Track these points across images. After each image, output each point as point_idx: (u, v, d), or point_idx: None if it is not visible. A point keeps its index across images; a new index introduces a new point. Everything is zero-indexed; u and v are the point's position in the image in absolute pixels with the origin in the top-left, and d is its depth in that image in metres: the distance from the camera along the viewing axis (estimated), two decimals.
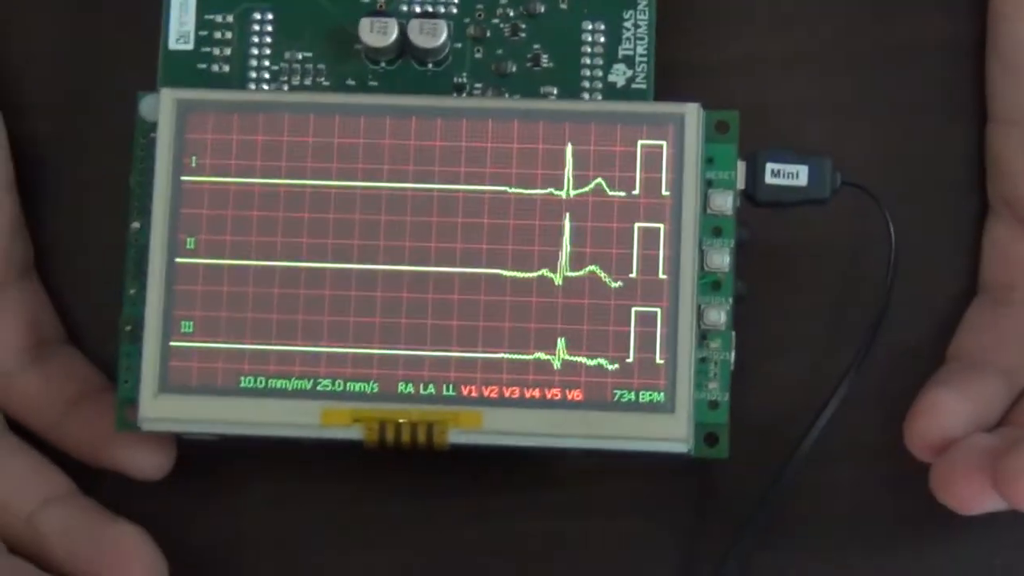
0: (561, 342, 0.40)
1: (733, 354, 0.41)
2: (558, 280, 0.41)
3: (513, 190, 0.41)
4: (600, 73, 0.45)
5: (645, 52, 0.45)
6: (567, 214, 0.41)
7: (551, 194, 0.41)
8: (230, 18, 0.45)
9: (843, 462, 0.45)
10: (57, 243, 0.48)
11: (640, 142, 0.41)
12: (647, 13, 0.45)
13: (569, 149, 0.41)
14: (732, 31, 0.48)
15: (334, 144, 0.42)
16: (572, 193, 0.41)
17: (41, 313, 0.47)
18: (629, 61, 0.44)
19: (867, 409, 0.45)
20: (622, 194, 0.41)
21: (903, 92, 0.48)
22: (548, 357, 0.40)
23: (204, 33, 0.45)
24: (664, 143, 0.41)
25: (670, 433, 0.40)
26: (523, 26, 0.45)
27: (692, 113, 0.41)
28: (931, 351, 0.45)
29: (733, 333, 0.41)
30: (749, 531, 0.43)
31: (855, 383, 0.43)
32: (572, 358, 0.40)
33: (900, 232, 0.43)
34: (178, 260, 0.41)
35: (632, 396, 0.40)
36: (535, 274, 0.41)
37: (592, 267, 0.41)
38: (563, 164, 0.41)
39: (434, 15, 0.45)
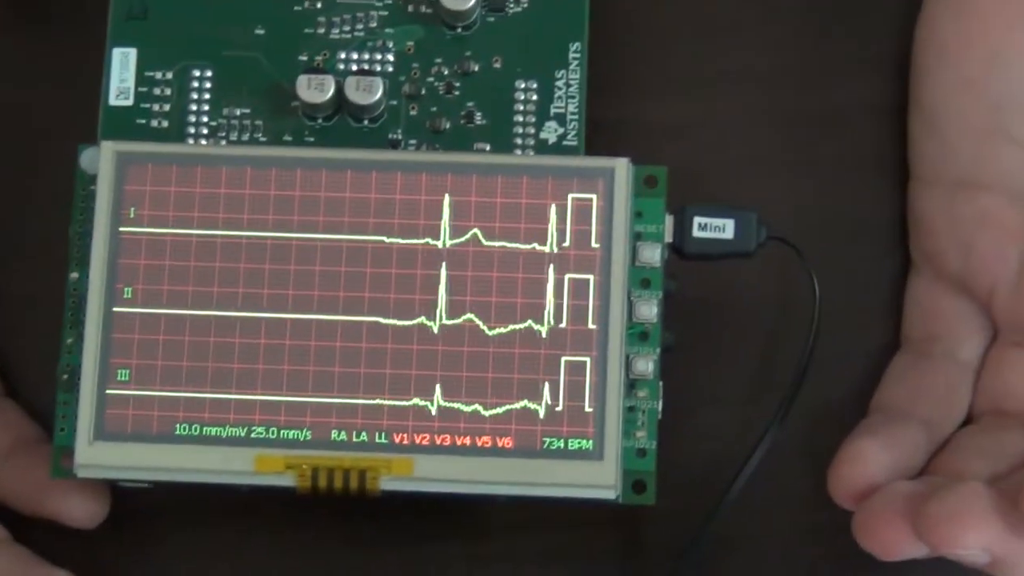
0: (492, 390, 0.41)
1: (660, 403, 0.41)
2: (488, 329, 0.41)
3: (419, 241, 0.42)
4: (532, 130, 0.45)
5: (576, 110, 0.45)
6: (490, 269, 0.42)
7: (469, 243, 0.42)
8: (169, 75, 0.46)
9: (769, 511, 0.45)
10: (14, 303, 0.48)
11: (571, 195, 0.41)
12: (578, 72, 0.45)
13: (499, 202, 0.42)
14: (662, 90, 0.49)
15: (270, 196, 0.42)
16: (496, 244, 0.42)
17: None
18: (561, 119, 0.45)
19: (793, 459, 0.45)
20: (553, 246, 0.41)
21: (829, 150, 0.49)
22: (479, 405, 0.41)
23: (144, 89, 0.46)
24: (594, 196, 0.41)
25: (598, 480, 0.40)
26: (457, 84, 0.46)
27: (622, 168, 0.41)
28: (855, 403, 0.46)
29: (660, 383, 0.41)
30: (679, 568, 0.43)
31: (780, 433, 0.43)
32: (502, 406, 0.41)
33: (824, 286, 0.43)
34: (115, 309, 0.41)
35: (561, 444, 0.40)
36: (460, 319, 0.41)
37: (520, 318, 0.41)
38: (495, 217, 0.42)
39: (370, 73, 0.45)
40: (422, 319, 0.42)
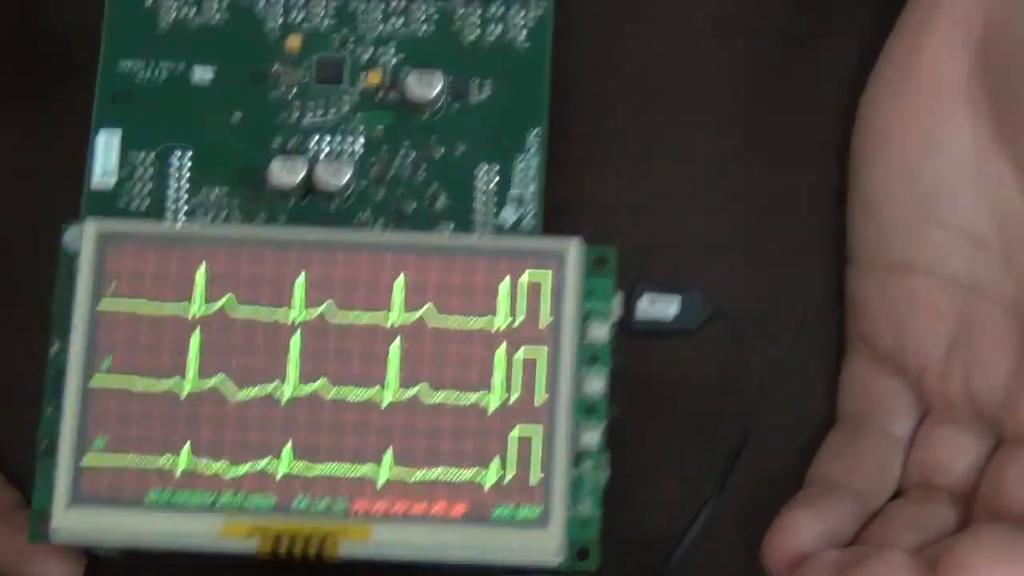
0: (445, 460, 0.42)
1: (605, 474, 0.42)
2: (442, 402, 0.42)
3: (380, 316, 0.43)
4: (493, 211, 0.47)
5: (535, 193, 0.47)
6: (446, 344, 0.43)
7: (425, 319, 0.43)
8: (151, 156, 0.47)
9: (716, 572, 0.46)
10: None
11: (525, 274, 0.42)
12: (537, 156, 0.47)
13: (457, 281, 0.43)
14: (619, 172, 0.50)
15: (241, 274, 0.43)
16: (452, 320, 0.43)
17: None
18: (519, 201, 0.46)
19: (731, 530, 0.45)
20: (506, 323, 0.42)
21: (776, 232, 0.50)
22: (433, 474, 0.41)
23: (126, 170, 0.47)
24: (547, 276, 0.42)
25: (544, 548, 0.41)
26: (423, 168, 0.47)
27: (573, 248, 0.42)
28: (793, 476, 0.46)
29: (606, 454, 0.42)
30: None
31: (720, 505, 0.44)
32: (455, 476, 0.41)
33: (766, 363, 0.44)
34: (92, 381, 0.42)
35: (510, 512, 0.41)
36: (415, 391, 0.42)
37: (473, 391, 0.42)
38: (452, 294, 0.43)
39: (340, 155, 0.47)
40: (380, 391, 0.42)
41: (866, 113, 0.48)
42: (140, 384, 0.42)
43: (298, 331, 0.43)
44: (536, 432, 0.42)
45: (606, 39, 0.51)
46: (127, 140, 0.47)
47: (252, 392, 0.42)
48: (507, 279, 0.43)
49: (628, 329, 0.43)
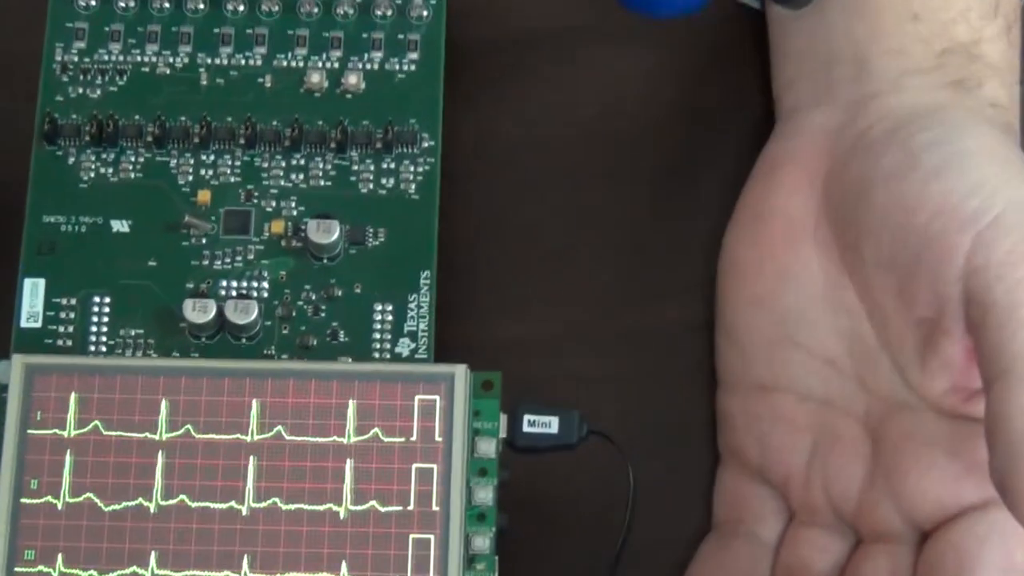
0: (345, 565, 0.44)
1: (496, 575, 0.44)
2: (343, 513, 0.45)
3: (308, 439, 0.46)
4: (389, 345, 0.49)
5: (426, 328, 0.50)
6: (349, 459, 0.46)
7: (330, 438, 0.46)
8: (73, 301, 0.49)
9: None
10: None
11: (417, 397, 0.46)
12: (428, 296, 0.50)
13: (352, 404, 0.46)
14: (501, 313, 0.53)
15: (159, 400, 0.46)
16: (354, 439, 0.46)
17: None
18: (413, 335, 0.49)
19: None
20: (402, 439, 0.45)
21: (651, 360, 0.53)
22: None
23: (51, 313, 0.49)
24: (437, 397, 0.46)
25: None
26: (323, 307, 0.50)
27: (460, 373, 0.45)
28: (677, 569, 0.49)
29: (496, 557, 0.45)
30: None
31: None
32: None
33: (641, 477, 0.47)
34: (23, 500, 0.44)
35: None
36: (323, 506, 0.45)
37: (374, 501, 0.45)
38: (355, 416, 0.46)
39: (247, 297, 0.49)
40: (278, 503, 0.45)
41: (726, 254, 0.52)
42: (66, 501, 0.45)
43: (209, 449, 0.46)
44: (432, 537, 0.45)
45: (489, 189, 0.55)
46: (50, 287, 0.49)
47: (169, 506, 0.45)
48: (402, 401, 0.46)
49: (513, 445, 0.46)
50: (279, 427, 0.46)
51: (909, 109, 0.49)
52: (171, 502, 0.46)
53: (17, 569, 0.45)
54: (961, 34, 0.50)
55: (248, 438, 0.46)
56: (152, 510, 0.45)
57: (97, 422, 0.47)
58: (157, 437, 0.46)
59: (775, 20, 0.54)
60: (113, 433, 0.46)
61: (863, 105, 0.50)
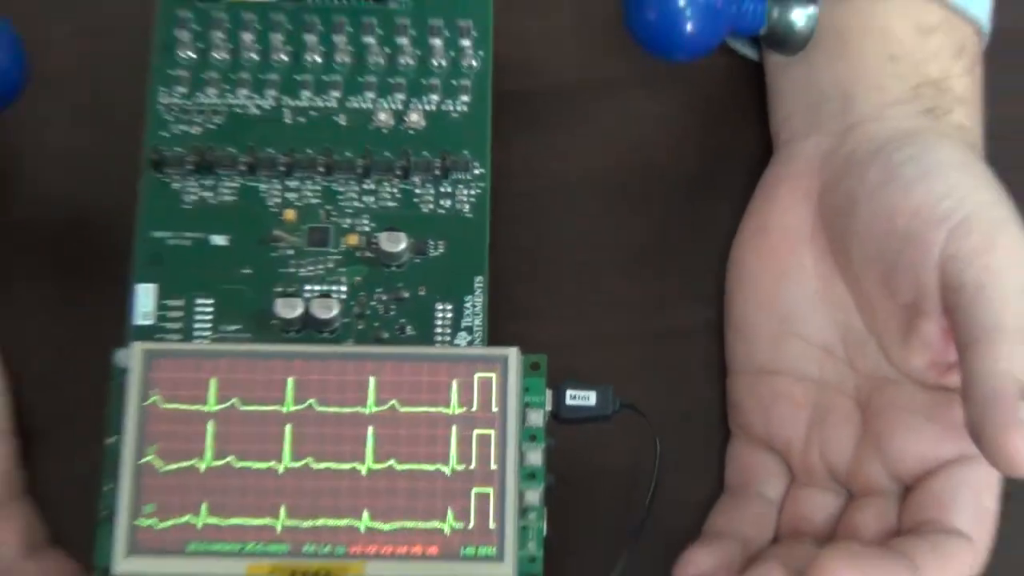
0: (424, 513, 0.46)
1: (544, 524, 0.47)
2: (421, 469, 0.47)
3: (381, 409, 0.48)
4: (448, 339, 0.51)
5: (480, 324, 0.52)
6: (421, 427, 0.48)
7: (404, 410, 0.48)
8: (181, 302, 0.52)
9: None
10: (50, 464, 0.53)
11: (477, 375, 0.48)
12: (482, 297, 0.52)
13: (426, 380, 0.48)
14: (546, 312, 0.56)
15: (257, 380, 0.48)
16: (423, 410, 0.48)
17: (35, 523, 0.51)
18: (469, 330, 0.52)
19: (645, 571, 0.49)
20: (465, 409, 0.48)
21: (670, 353, 0.56)
22: (414, 523, 0.46)
23: (162, 313, 0.51)
24: (494, 375, 0.48)
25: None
26: (392, 306, 0.52)
27: (513, 355, 0.48)
28: (690, 532, 0.51)
29: (544, 509, 0.47)
30: None
31: (634, 554, 0.48)
32: (432, 524, 0.46)
33: (665, 447, 0.49)
34: (141, 462, 0.47)
35: (473, 551, 0.46)
36: (405, 465, 0.47)
37: (439, 462, 0.47)
38: (423, 391, 0.48)
39: (328, 296, 0.52)
40: (379, 463, 0.48)
41: (734, 259, 0.54)
42: (178, 464, 0.47)
43: (302, 419, 0.48)
44: (491, 492, 0.47)
45: (532, 210, 0.58)
46: (161, 291, 0.52)
47: (270, 466, 0.47)
48: (465, 378, 0.48)
49: (558, 417, 0.48)
50: (358, 405, 0.49)
51: (889, 133, 0.51)
52: (269, 463, 0.48)
53: (139, 520, 0.46)
54: (932, 72, 0.53)
55: (319, 408, 0.49)
56: (255, 470, 0.48)
57: (204, 398, 0.49)
58: (256, 407, 0.49)
59: (771, 66, 0.57)
60: (217, 407, 0.49)
61: (849, 132, 0.53)
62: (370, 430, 0.48)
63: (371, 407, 0.48)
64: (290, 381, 0.49)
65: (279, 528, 0.47)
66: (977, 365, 0.44)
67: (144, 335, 0.51)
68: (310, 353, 0.49)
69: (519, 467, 0.48)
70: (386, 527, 0.47)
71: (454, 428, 0.48)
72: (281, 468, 0.48)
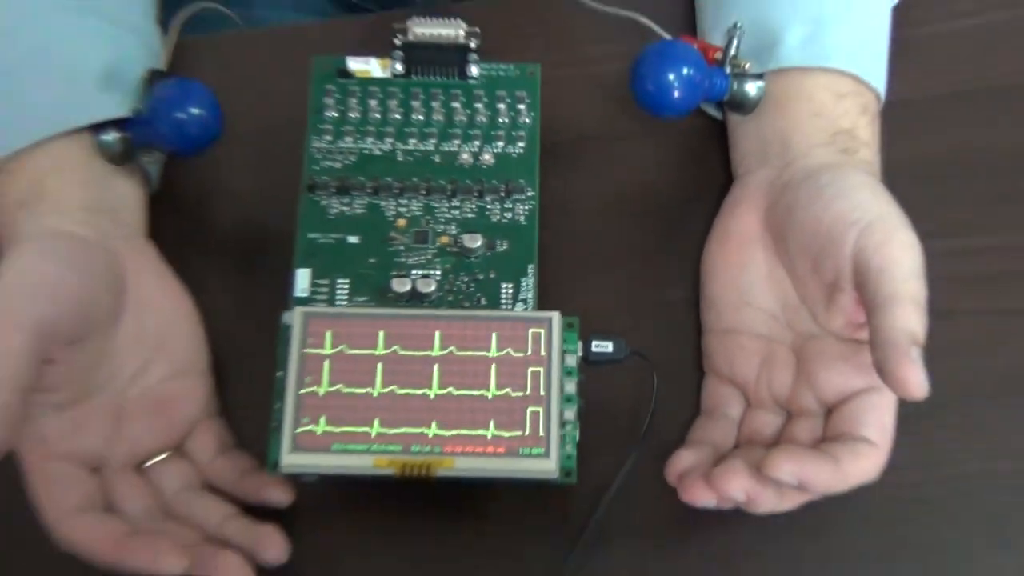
0: (493, 424, 0.46)
1: (577, 433, 0.47)
2: (491, 394, 0.47)
3: (469, 353, 0.47)
4: (510, 307, 0.51)
5: (532, 297, 0.51)
6: (494, 365, 0.47)
7: (489, 352, 0.47)
8: (326, 282, 0.52)
9: (632, 501, 0.49)
10: (236, 392, 0.52)
11: (530, 330, 0.48)
12: (533, 279, 0.51)
13: (495, 335, 0.48)
14: (577, 288, 0.54)
15: (381, 333, 0.48)
16: (496, 354, 0.47)
17: (226, 433, 0.51)
18: (524, 302, 0.51)
19: (647, 474, 0.49)
20: (521, 354, 0.47)
21: (663, 318, 0.53)
22: (489, 432, 0.46)
23: (314, 288, 0.52)
24: (543, 330, 0.48)
25: (547, 470, 0.45)
26: (472, 285, 0.52)
27: (556, 317, 0.48)
28: (679, 441, 0.50)
29: (578, 422, 0.47)
30: (590, 524, 0.49)
31: (640, 458, 0.49)
32: (499, 432, 0.46)
33: (661, 382, 0.50)
34: (303, 390, 0.46)
35: (528, 451, 0.46)
36: (491, 392, 0.47)
37: (508, 387, 0.47)
38: (491, 340, 0.48)
39: (428, 276, 0.52)
40: (498, 391, 0.47)
41: (706, 252, 0.53)
42: (327, 389, 0.47)
43: (420, 363, 0.47)
44: (540, 410, 0.46)
45: (567, 220, 0.55)
46: (313, 274, 0.52)
47: (393, 392, 0.47)
48: (524, 332, 0.48)
49: (586, 360, 0.48)
50: (451, 347, 0.48)
51: (815, 166, 0.50)
52: (391, 388, 0.47)
53: (298, 428, 0.46)
54: (845, 124, 0.52)
55: (436, 352, 0.48)
56: (374, 394, 0.47)
57: (347, 345, 0.48)
58: (385, 351, 0.48)
59: (731, 122, 0.56)
60: (355, 351, 0.48)
61: (787, 166, 0.52)
62: (493, 369, 0.48)
63: (493, 351, 0.48)
64: (436, 335, 0.48)
65: (397, 435, 0.47)
66: (881, 323, 0.43)
67: (301, 304, 0.51)
68: (416, 315, 0.49)
69: (560, 394, 0.47)
70: (472, 434, 0.47)
71: (521, 366, 0.48)
72: (431, 392, 0.48)
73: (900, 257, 0.45)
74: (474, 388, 0.47)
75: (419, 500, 0.50)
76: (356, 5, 0.79)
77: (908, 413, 0.46)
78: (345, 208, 0.54)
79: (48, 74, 0.50)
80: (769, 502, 0.45)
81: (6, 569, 0.48)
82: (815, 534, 0.48)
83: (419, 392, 0.47)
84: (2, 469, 0.44)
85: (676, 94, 0.51)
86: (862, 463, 0.45)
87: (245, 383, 0.51)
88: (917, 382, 0.42)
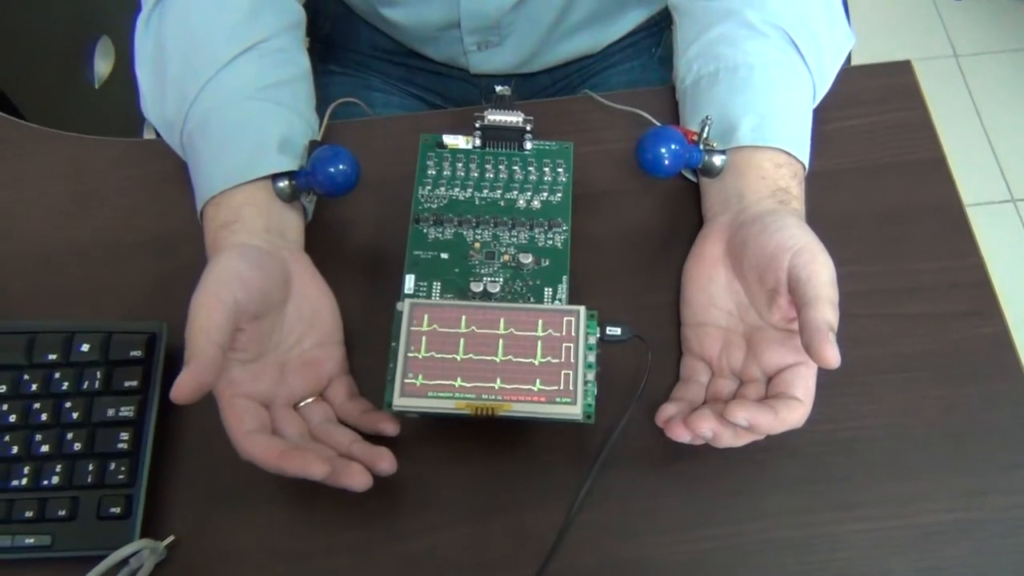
0: (538, 382, 0.45)
1: (595, 389, 0.46)
2: (537, 361, 0.46)
3: (522, 333, 0.46)
4: (551, 302, 0.50)
5: (566, 297, 0.50)
6: (539, 341, 0.46)
7: (536, 335, 0.46)
8: (425, 284, 0.50)
9: (632, 432, 0.48)
10: (363, 357, 0.50)
11: (564, 318, 0.47)
12: (567, 286, 0.50)
13: (540, 321, 0.47)
14: (595, 292, 0.51)
15: (462, 317, 0.47)
16: (541, 334, 0.46)
17: (353, 385, 0.50)
18: (561, 300, 0.50)
19: (643, 418, 0.48)
20: (558, 334, 0.46)
21: (653, 314, 0.50)
22: (534, 387, 0.45)
23: (416, 288, 0.50)
24: (573, 319, 0.47)
25: (575, 413, 0.45)
26: (525, 289, 0.50)
27: (582, 310, 0.46)
28: (664, 397, 0.48)
29: (595, 383, 0.46)
30: (602, 453, 0.47)
31: (637, 410, 0.48)
32: (544, 387, 0.45)
33: (652, 356, 0.48)
34: (409, 355, 0.46)
35: (562, 400, 0.45)
36: (537, 359, 0.46)
37: (549, 356, 0.46)
38: (538, 325, 0.47)
39: (495, 281, 0.50)
40: (512, 358, 0.46)
41: (685, 270, 0.51)
42: (427, 355, 0.46)
43: (486, 340, 0.46)
44: (571, 372, 0.46)
45: (589, 248, 0.52)
46: (416, 279, 0.51)
47: (469, 359, 0.46)
48: (560, 320, 0.47)
49: (601, 340, 0.47)
50: (512, 328, 0.47)
51: (762, 211, 0.49)
52: (470, 356, 0.46)
53: (407, 380, 0.46)
54: (782, 184, 0.50)
55: (500, 331, 0.47)
56: (460, 360, 0.46)
57: (440, 325, 0.47)
58: (464, 330, 0.47)
59: (703, 183, 0.53)
60: (444, 330, 0.47)
61: (742, 211, 0.50)
62: (539, 344, 0.46)
63: (539, 332, 0.47)
64: (500, 321, 0.47)
65: (471, 388, 0.46)
66: (808, 316, 0.42)
67: (409, 297, 0.50)
68: (486, 306, 0.48)
69: (584, 362, 0.46)
70: (524, 387, 0.46)
71: (557, 344, 0.47)
72: (497, 359, 0.46)
73: (820, 271, 0.43)
74: (526, 357, 0.46)
75: (483, 434, 0.49)
76: (443, 108, 0.79)
77: (824, 383, 0.45)
78: (439, 235, 0.53)
79: (245, 141, 0.50)
80: (728, 439, 0.44)
81: (200, 474, 0.49)
82: (760, 463, 0.47)
83: (488, 358, 0.46)
84: (202, 407, 0.43)
85: (666, 162, 0.50)
86: (793, 413, 0.44)
87: (369, 352, 0.50)
88: (833, 355, 0.41)
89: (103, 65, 0.88)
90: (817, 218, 0.49)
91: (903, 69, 0.58)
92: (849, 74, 0.56)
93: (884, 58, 0.59)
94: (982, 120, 1.51)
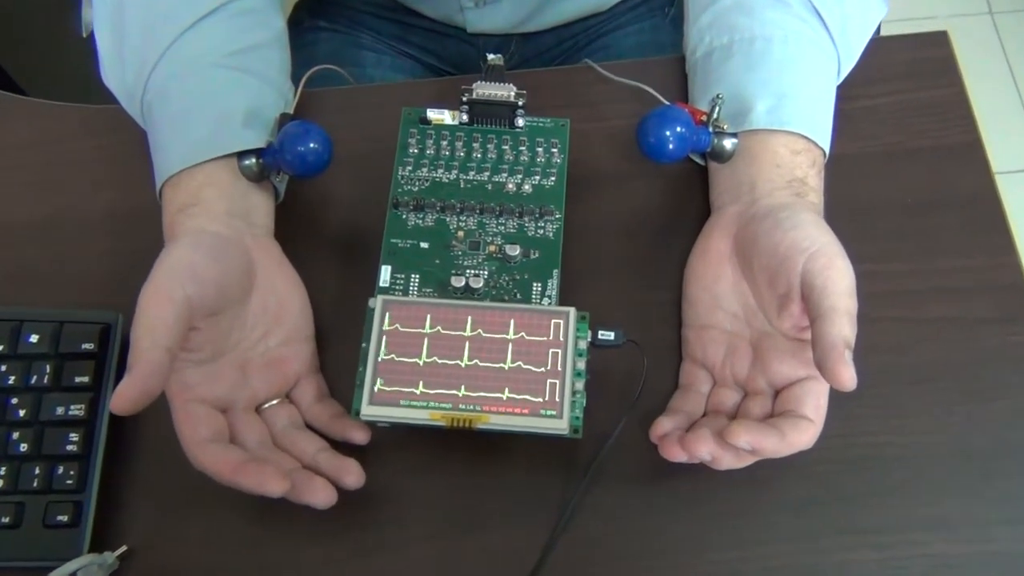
0: (520, 391, 0.43)
1: (584, 400, 0.43)
2: (516, 367, 0.44)
3: (508, 336, 0.44)
4: (537, 300, 0.47)
5: (556, 295, 0.47)
6: (522, 347, 0.44)
7: (520, 336, 0.44)
8: (401, 276, 0.48)
9: (623, 446, 0.45)
10: (332, 356, 0.48)
11: (552, 320, 0.44)
12: (557, 281, 0.48)
13: (524, 323, 0.44)
14: (588, 290, 0.48)
15: (439, 316, 0.44)
16: (527, 339, 0.44)
17: (323, 385, 0.47)
18: (550, 297, 0.47)
19: (637, 431, 0.45)
20: (544, 339, 0.44)
21: (653, 314, 0.48)
22: (515, 396, 0.43)
23: (393, 281, 0.48)
24: (561, 321, 0.44)
25: (560, 427, 0.43)
26: (511, 284, 0.48)
27: (572, 312, 0.44)
28: (660, 409, 0.45)
29: (585, 392, 0.43)
30: (591, 468, 0.45)
31: (631, 419, 0.45)
32: (527, 397, 0.43)
33: (650, 363, 0.45)
34: (380, 358, 0.44)
35: (546, 412, 0.43)
36: (517, 364, 0.44)
37: (531, 365, 0.43)
38: (510, 330, 0.44)
39: (478, 275, 0.48)
40: (478, 363, 0.44)
41: (688, 266, 0.48)
42: (398, 359, 0.44)
43: (458, 340, 0.44)
44: (557, 382, 0.43)
45: (583, 237, 0.50)
46: (393, 270, 0.48)
47: (445, 363, 0.44)
48: (548, 322, 0.44)
49: (593, 344, 0.45)
50: (479, 330, 0.45)
51: (775, 204, 0.46)
52: (445, 360, 0.45)
53: (376, 387, 0.44)
54: (799, 173, 0.47)
55: (466, 333, 0.45)
56: (436, 365, 0.44)
57: (413, 326, 0.45)
58: (435, 331, 0.45)
59: (711, 168, 0.51)
60: (417, 330, 0.45)
61: (753, 203, 0.47)
62: (510, 347, 0.44)
63: (512, 334, 0.45)
64: (468, 320, 0.45)
65: (448, 396, 0.44)
66: (822, 330, 0.39)
67: (383, 292, 0.48)
68: (469, 306, 0.46)
69: (573, 369, 0.44)
70: (504, 397, 0.43)
71: (542, 348, 0.44)
72: (462, 362, 0.44)
73: (838, 279, 0.40)
74: (505, 363, 0.44)
75: (461, 444, 0.46)
76: (439, 69, 0.75)
77: (835, 393, 0.41)
78: (419, 221, 0.50)
79: (207, 114, 0.47)
80: (729, 462, 0.41)
81: (156, 479, 0.46)
82: (764, 481, 0.45)
83: (457, 362, 0.44)
84: (157, 408, 0.41)
85: (671, 146, 0.47)
86: (802, 435, 0.41)
87: (338, 350, 0.48)
88: (848, 377, 0.38)
89: (91, 10, 0.85)
90: (835, 208, 0.46)
91: (938, 40, 0.54)
92: (876, 45, 0.52)
93: (911, 14, 0.55)
94: (1016, 83, 1.44)
